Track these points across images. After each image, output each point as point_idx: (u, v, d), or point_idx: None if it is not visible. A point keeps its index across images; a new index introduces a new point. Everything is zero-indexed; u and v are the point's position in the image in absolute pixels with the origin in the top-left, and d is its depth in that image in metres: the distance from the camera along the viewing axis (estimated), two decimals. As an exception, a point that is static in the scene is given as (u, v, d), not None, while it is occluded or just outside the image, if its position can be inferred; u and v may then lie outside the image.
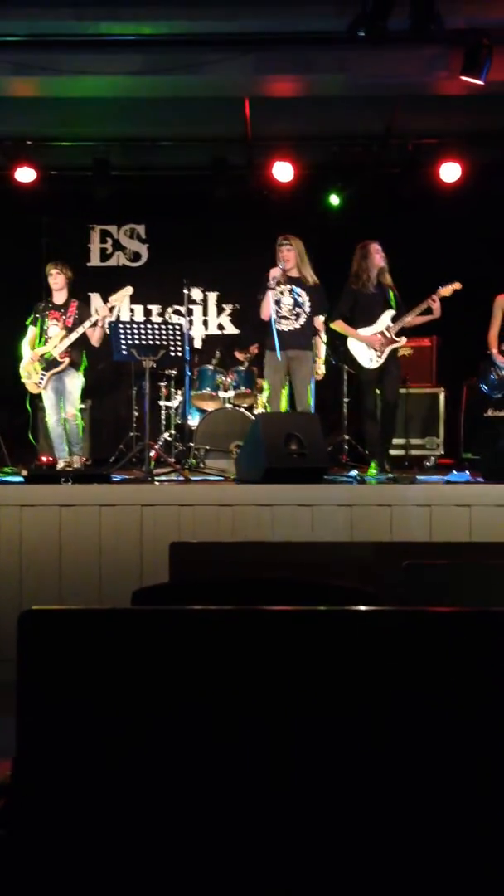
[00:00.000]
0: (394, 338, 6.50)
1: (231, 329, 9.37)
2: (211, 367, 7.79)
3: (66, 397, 6.81)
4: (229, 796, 1.53)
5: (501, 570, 2.72)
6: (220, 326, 9.41)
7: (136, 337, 6.10)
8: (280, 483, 4.89)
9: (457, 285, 6.38)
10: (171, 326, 6.27)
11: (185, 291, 6.58)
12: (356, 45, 6.19)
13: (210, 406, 7.67)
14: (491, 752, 1.53)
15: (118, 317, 6.95)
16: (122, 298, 6.85)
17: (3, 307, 8.31)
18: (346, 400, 7.77)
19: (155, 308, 9.37)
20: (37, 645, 1.53)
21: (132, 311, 9.24)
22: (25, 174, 8.34)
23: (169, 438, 7.55)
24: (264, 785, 1.53)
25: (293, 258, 6.40)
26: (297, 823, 1.52)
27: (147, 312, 9.36)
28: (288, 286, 6.42)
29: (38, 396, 6.96)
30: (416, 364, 7.90)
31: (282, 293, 6.40)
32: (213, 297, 9.42)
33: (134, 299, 9.21)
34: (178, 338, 6.14)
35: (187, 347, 6.22)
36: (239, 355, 7.87)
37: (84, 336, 6.68)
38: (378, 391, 6.58)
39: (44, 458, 7.07)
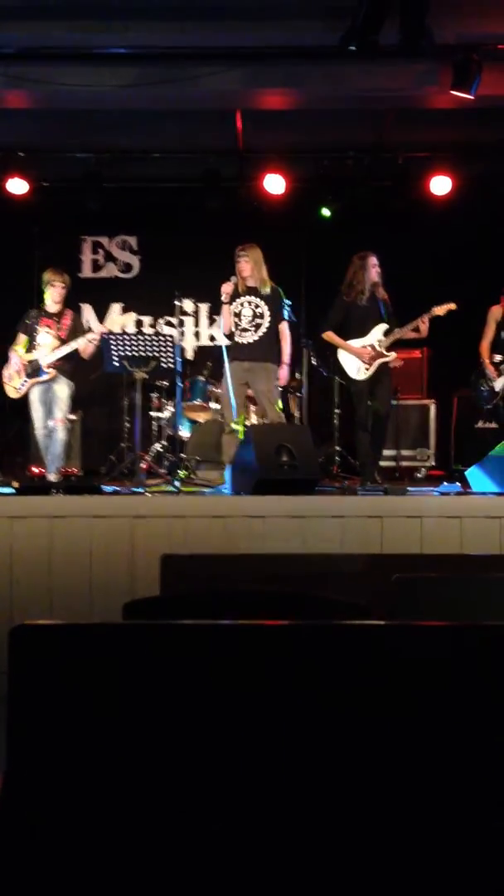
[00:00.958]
0: (383, 352, 6.49)
1: (222, 340, 9.38)
2: (202, 378, 7.80)
3: (54, 403, 6.71)
4: (222, 811, 1.53)
5: (493, 583, 2.72)
6: (212, 338, 9.42)
7: (128, 348, 6.10)
8: (271, 494, 4.89)
9: (451, 305, 6.32)
10: (162, 338, 6.28)
11: (177, 303, 6.58)
12: (347, 60, 6.23)
13: (201, 417, 7.67)
14: (484, 765, 1.53)
15: (109, 329, 6.93)
16: (122, 321, 6.88)
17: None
18: (337, 411, 7.78)
19: (146, 319, 9.39)
20: (28, 660, 1.53)
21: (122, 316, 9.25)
22: (17, 185, 8.35)
23: (160, 450, 7.55)
24: (257, 799, 1.53)
25: (249, 269, 6.38)
26: (292, 841, 1.52)
27: (139, 324, 9.37)
28: (247, 297, 6.38)
29: (25, 406, 6.85)
30: (406, 375, 7.93)
31: (242, 304, 6.38)
32: (204, 308, 9.44)
33: (125, 311, 9.23)
34: (170, 349, 6.15)
35: (179, 359, 6.22)
36: None
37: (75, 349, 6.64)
38: (370, 402, 6.59)
39: (34, 470, 7.02)
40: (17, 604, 4.49)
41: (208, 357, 8.60)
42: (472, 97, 6.29)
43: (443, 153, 8.33)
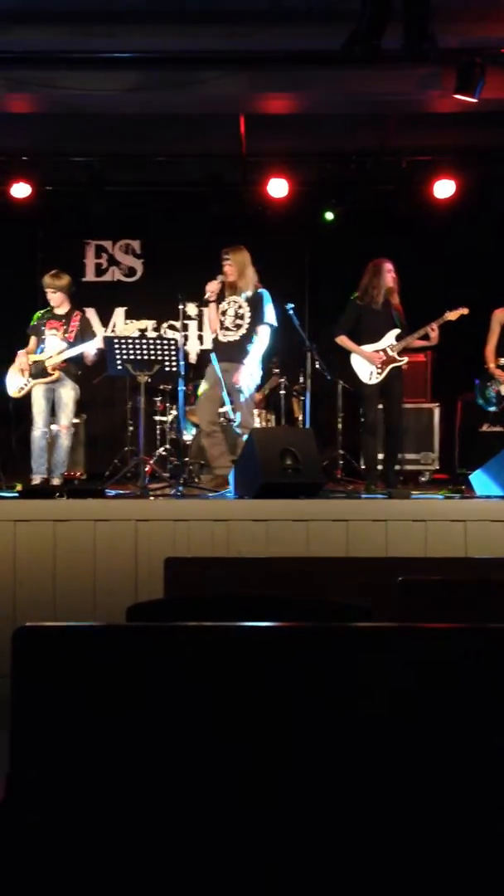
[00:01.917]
0: (395, 356, 6.57)
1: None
2: (205, 382, 7.79)
3: (59, 408, 6.67)
4: (224, 813, 1.52)
5: (497, 586, 2.71)
6: (215, 342, 9.42)
7: (131, 352, 6.09)
8: (275, 498, 4.89)
9: (464, 310, 6.42)
10: (165, 342, 6.26)
11: (180, 307, 6.58)
12: (350, 64, 6.24)
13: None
14: (487, 765, 1.52)
15: (113, 332, 6.93)
16: (128, 331, 6.89)
17: (-2, 322, 8.31)
18: (340, 415, 7.78)
19: (150, 323, 9.39)
20: (31, 661, 1.53)
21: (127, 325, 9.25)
22: (21, 189, 8.37)
23: (164, 453, 7.54)
24: (260, 800, 1.52)
25: (232, 271, 6.38)
26: (295, 843, 1.51)
27: (142, 328, 9.38)
28: (231, 297, 6.39)
29: (22, 406, 6.83)
30: (411, 379, 7.91)
31: (228, 304, 6.39)
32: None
33: (129, 315, 9.24)
34: (173, 353, 6.14)
35: (182, 362, 6.20)
36: None
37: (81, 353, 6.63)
38: (381, 406, 6.63)
39: (34, 479, 6.99)
40: (21, 607, 4.49)
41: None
42: (475, 101, 6.29)
43: (446, 157, 8.33)
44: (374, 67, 6.32)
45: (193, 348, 9.39)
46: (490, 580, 2.83)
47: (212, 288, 6.30)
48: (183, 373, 6.29)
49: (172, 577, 3.02)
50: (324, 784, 1.52)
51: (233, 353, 6.31)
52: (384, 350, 6.56)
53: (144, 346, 6.14)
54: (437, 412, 8.24)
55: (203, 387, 6.44)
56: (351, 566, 3.54)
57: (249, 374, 6.36)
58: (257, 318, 6.39)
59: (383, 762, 1.53)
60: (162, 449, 7.63)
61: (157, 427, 7.90)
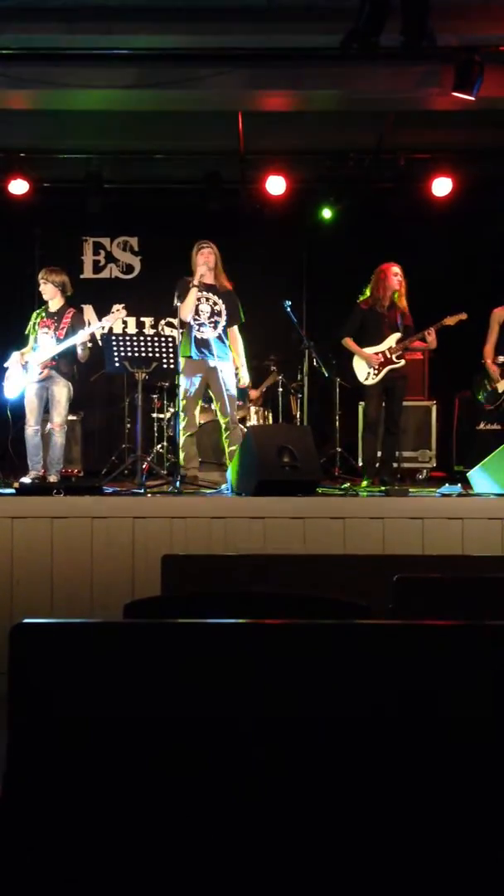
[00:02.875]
0: (393, 359, 6.66)
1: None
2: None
3: (52, 406, 6.64)
4: (221, 810, 1.52)
5: (493, 584, 2.72)
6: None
7: (129, 349, 6.09)
8: (272, 495, 4.89)
9: (462, 316, 6.52)
10: (163, 339, 6.26)
11: (178, 304, 6.58)
12: (349, 61, 6.23)
13: (202, 418, 7.66)
14: (482, 763, 1.53)
15: (111, 329, 6.91)
16: (114, 320, 6.86)
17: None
18: (338, 413, 7.79)
19: (148, 320, 9.39)
20: (28, 658, 1.53)
21: (125, 323, 9.24)
22: (19, 186, 8.35)
23: (161, 451, 7.53)
24: (257, 796, 1.52)
25: (213, 261, 6.35)
26: (294, 841, 1.51)
27: (140, 325, 9.37)
28: (205, 293, 6.31)
29: (20, 406, 6.81)
30: (408, 377, 7.92)
31: (199, 300, 6.31)
32: (205, 309, 9.44)
33: (127, 311, 9.22)
34: (171, 350, 6.14)
35: (180, 360, 6.21)
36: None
37: (72, 347, 6.60)
38: (383, 404, 6.75)
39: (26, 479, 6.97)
40: (18, 604, 4.50)
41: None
42: (473, 99, 6.28)
43: (444, 155, 8.33)
44: (373, 65, 6.32)
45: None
46: (487, 578, 2.83)
47: (201, 272, 6.25)
48: (180, 370, 6.28)
49: (169, 575, 3.02)
50: (320, 781, 1.53)
51: (212, 350, 6.26)
52: (383, 352, 6.66)
53: (142, 344, 6.14)
54: (434, 410, 8.25)
55: (185, 386, 6.37)
56: (348, 564, 3.55)
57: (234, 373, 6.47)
58: (235, 316, 6.41)
59: (380, 758, 1.53)
60: (159, 446, 7.62)
61: (155, 424, 7.90)
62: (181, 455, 6.30)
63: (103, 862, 1.51)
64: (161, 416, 7.83)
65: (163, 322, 9.35)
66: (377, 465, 6.77)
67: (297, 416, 7.99)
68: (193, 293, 6.21)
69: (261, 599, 2.18)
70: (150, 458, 6.87)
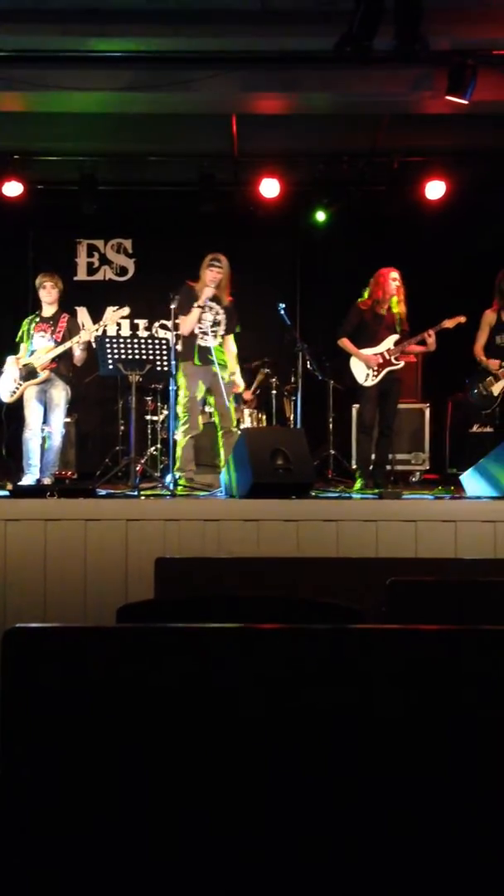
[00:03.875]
0: (392, 360, 6.69)
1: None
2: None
3: (51, 409, 6.69)
4: (216, 814, 1.52)
5: (487, 587, 2.72)
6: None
7: (123, 351, 6.09)
8: (266, 498, 4.89)
9: (461, 319, 6.57)
10: (157, 341, 6.26)
11: (172, 306, 6.58)
12: (342, 65, 6.24)
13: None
14: (478, 767, 1.53)
15: (104, 331, 6.91)
16: (116, 318, 6.87)
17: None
18: (332, 415, 7.79)
19: (142, 322, 9.38)
20: (21, 663, 1.52)
21: (119, 325, 9.24)
22: (12, 188, 8.34)
23: (155, 453, 7.53)
24: (253, 800, 1.52)
25: (220, 281, 6.41)
26: (293, 844, 1.51)
27: (134, 327, 9.37)
28: (209, 303, 6.42)
29: (15, 408, 6.83)
30: (401, 380, 7.94)
31: (204, 309, 6.39)
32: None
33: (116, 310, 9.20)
34: (165, 352, 6.14)
35: (174, 362, 6.20)
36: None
37: (69, 351, 6.63)
38: (378, 407, 6.75)
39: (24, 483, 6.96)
40: (11, 607, 4.48)
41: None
42: (466, 102, 6.30)
43: (438, 158, 8.35)
44: (366, 68, 6.32)
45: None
46: (480, 581, 2.83)
47: (208, 294, 6.33)
48: (174, 372, 6.28)
49: (163, 578, 3.02)
50: (315, 785, 1.53)
51: (213, 356, 6.32)
52: (382, 354, 6.68)
53: (136, 346, 6.14)
54: (427, 412, 8.26)
55: (187, 389, 6.39)
56: (341, 567, 3.54)
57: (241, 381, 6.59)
58: (231, 326, 6.51)
59: (375, 763, 1.53)
60: (153, 448, 7.61)
61: (149, 427, 7.89)
62: (178, 456, 6.32)
63: (98, 868, 1.51)
64: (155, 418, 7.83)
65: (156, 324, 9.34)
66: (371, 467, 6.79)
67: (291, 418, 7.99)
68: (196, 312, 6.31)
69: (254, 603, 2.18)
70: (143, 461, 6.86)
